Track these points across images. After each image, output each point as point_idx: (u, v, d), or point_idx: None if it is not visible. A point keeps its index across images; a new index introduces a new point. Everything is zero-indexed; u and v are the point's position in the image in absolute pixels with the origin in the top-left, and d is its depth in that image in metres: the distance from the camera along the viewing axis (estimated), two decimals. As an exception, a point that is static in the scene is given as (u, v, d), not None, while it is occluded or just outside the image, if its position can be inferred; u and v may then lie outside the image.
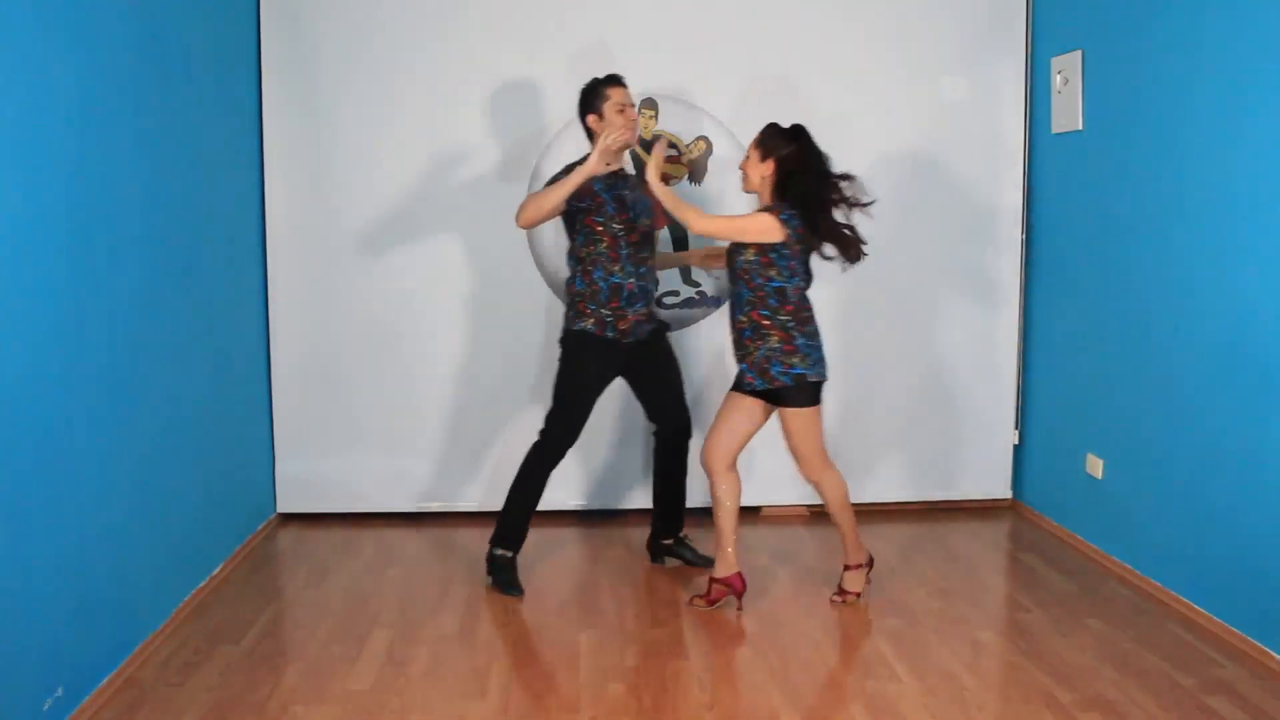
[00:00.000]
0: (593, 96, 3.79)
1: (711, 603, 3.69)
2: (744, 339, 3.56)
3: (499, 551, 3.89)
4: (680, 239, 4.55)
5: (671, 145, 4.49)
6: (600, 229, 3.76)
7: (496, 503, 4.62)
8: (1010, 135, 4.65)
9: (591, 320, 3.78)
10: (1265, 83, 3.23)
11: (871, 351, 4.66)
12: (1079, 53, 4.21)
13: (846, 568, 3.73)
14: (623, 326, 3.79)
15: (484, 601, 3.76)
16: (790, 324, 3.50)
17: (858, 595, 3.72)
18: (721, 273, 4.08)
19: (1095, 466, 4.18)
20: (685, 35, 4.48)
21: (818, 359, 3.54)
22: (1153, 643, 3.39)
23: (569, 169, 3.74)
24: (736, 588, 3.66)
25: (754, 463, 4.52)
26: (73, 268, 2.92)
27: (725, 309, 3.97)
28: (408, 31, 4.46)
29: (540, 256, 4.57)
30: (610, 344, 3.80)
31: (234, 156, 4.26)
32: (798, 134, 3.54)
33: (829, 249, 3.53)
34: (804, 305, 3.56)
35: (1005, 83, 4.62)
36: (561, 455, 3.87)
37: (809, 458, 3.59)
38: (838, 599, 3.73)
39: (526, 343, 4.60)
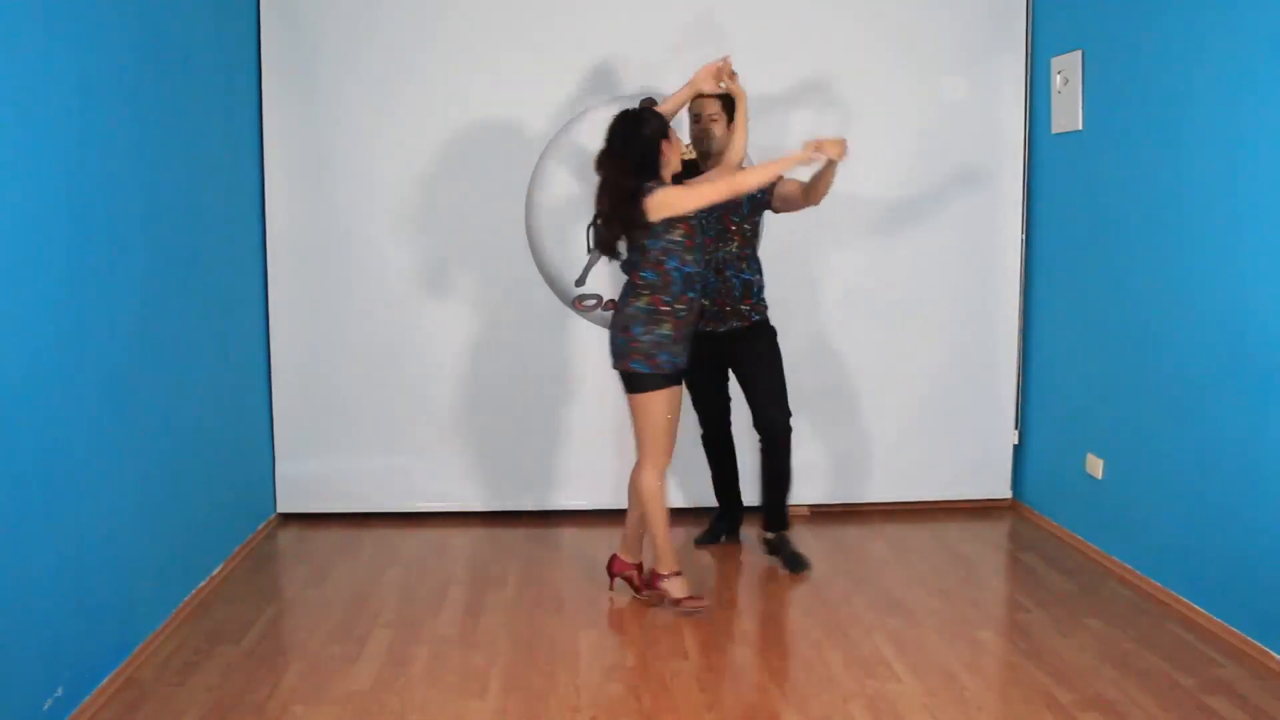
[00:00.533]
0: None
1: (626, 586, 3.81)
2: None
3: (783, 533, 4.10)
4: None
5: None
6: (734, 227, 3.93)
7: (496, 503, 4.66)
8: (1010, 135, 4.65)
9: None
10: (1265, 82, 3.23)
11: (871, 351, 4.66)
12: (1079, 53, 4.21)
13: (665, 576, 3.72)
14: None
15: (484, 601, 3.76)
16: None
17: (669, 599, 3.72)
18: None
19: (1095, 466, 4.18)
20: (685, 35, 4.48)
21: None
22: (1153, 643, 3.39)
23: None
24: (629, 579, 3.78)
25: (754, 463, 4.52)
26: (73, 268, 2.92)
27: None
28: (408, 30, 4.46)
29: (540, 256, 4.57)
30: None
31: (234, 156, 4.26)
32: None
33: None
34: None
35: (1005, 83, 4.62)
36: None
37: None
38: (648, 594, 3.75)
39: (527, 342, 4.60)
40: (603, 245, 3.57)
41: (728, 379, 4.13)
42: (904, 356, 4.70)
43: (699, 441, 4.27)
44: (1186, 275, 3.63)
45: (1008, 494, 4.82)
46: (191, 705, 2.99)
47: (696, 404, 4.16)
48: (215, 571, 3.92)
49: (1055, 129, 4.43)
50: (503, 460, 4.63)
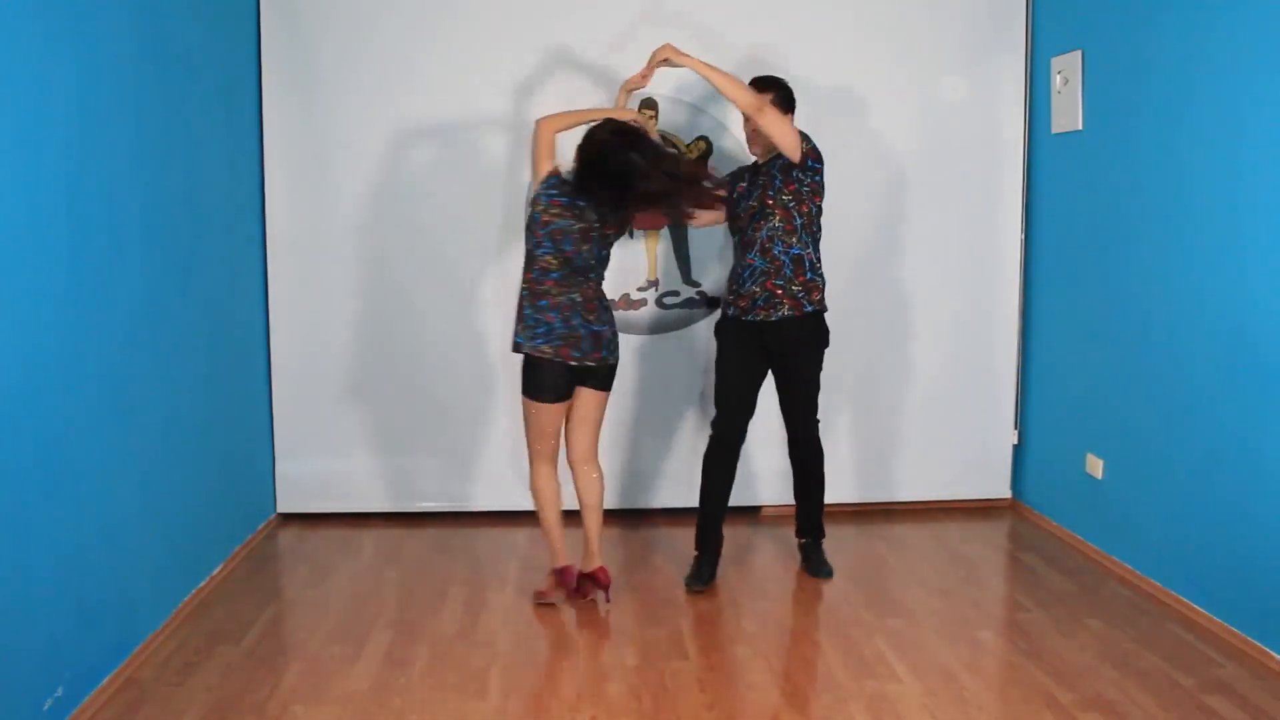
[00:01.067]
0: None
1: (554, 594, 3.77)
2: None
3: (818, 538, 4.09)
4: (680, 238, 4.56)
5: (672, 145, 4.48)
6: (771, 201, 3.80)
7: (496, 503, 4.65)
8: (1010, 135, 4.65)
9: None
10: (1265, 82, 3.23)
11: (871, 351, 4.66)
12: (1079, 53, 4.21)
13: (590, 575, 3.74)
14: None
15: (484, 601, 3.76)
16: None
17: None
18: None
19: (1095, 466, 4.18)
20: (684, 35, 4.47)
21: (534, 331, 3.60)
22: (1153, 643, 3.39)
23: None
24: (564, 581, 3.74)
25: (753, 463, 4.53)
26: (73, 268, 2.92)
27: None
28: (408, 30, 4.46)
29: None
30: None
31: (234, 156, 4.26)
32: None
33: None
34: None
35: (1005, 82, 4.62)
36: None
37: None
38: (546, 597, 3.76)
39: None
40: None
41: (764, 379, 3.87)
42: (904, 356, 4.70)
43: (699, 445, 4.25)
44: (1186, 275, 3.63)
45: (1008, 494, 4.82)
46: (191, 705, 2.99)
47: (720, 395, 3.87)
48: (215, 571, 3.92)
49: (1055, 129, 4.43)
50: (503, 460, 4.63)
